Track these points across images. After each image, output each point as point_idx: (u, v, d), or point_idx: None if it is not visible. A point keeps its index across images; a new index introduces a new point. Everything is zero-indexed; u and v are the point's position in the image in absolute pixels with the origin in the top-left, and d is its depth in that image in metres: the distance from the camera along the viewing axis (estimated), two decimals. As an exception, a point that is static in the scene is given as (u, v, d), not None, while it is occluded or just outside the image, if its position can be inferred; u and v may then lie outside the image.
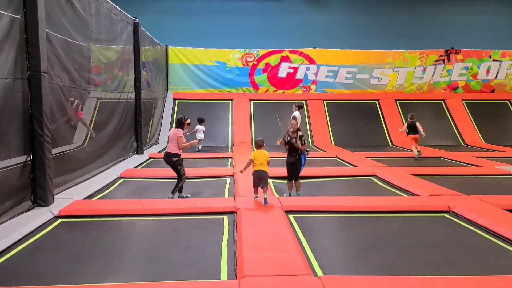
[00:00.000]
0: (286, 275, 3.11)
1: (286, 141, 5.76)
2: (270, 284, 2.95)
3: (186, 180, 5.91)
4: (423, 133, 9.73)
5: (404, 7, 15.54)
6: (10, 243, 3.84)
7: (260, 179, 5.20)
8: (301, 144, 5.61)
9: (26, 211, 4.73)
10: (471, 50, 15.08)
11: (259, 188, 5.25)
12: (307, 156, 6.07)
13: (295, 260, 3.40)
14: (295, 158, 5.73)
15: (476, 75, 15.17)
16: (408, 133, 10.04)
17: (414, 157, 9.73)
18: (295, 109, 9.35)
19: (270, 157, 5.30)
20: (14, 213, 4.54)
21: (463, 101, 14.58)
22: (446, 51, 15.04)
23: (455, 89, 15.26)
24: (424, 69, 15.04)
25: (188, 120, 5.76)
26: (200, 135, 10.81)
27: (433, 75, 15.11)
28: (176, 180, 5.88)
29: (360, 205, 5.23)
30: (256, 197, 5.30)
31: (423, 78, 15.11)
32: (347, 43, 14.90)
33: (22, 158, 4.77)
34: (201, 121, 11.01)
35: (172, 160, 5.76)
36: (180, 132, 5.75)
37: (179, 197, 5.82)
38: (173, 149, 5.74)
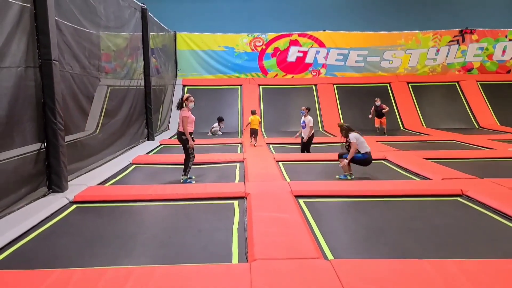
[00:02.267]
0: (297, 258, 3.13)
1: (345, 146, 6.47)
2: (280, 267, 2.98)
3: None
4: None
5: (417, -14, 15.13)
6: (27, 228, 3.95)
7: (253, 133, 8.96)
8: (347, 147, 6.44)
9: (42, 197, 4.86)
10: (487, 30, 14.61)
11: (252, 139, 8.96)
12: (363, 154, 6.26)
13: (305, 243, 3.42)
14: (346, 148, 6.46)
15: (492, 56, 14.73)
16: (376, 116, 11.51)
17: (423, 141, 9.95)
18: (305, 112, 8.25)
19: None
20: (31, 199, 4.66)
21: (478, 83, 14.21)
22: (461, 31, 14.60)
23: (469, 70, 14.87)
24: (438, 50, 14.66)
25: (187, 95, 5.87)
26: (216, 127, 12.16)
27: (447, 56, 14.73)
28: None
29: (370, 189, 5.21)
30: (255, 144, 8.76)
31: (437, 60, 14.75)
32: (358, 25, 14.58)
33: (37, 146, 4.87)
34: (219, 120, 12.22)
35: (183, 138, 5.91)
36: (185, 112, 5.84)
37: (182, 180, 5.88)
38: None
